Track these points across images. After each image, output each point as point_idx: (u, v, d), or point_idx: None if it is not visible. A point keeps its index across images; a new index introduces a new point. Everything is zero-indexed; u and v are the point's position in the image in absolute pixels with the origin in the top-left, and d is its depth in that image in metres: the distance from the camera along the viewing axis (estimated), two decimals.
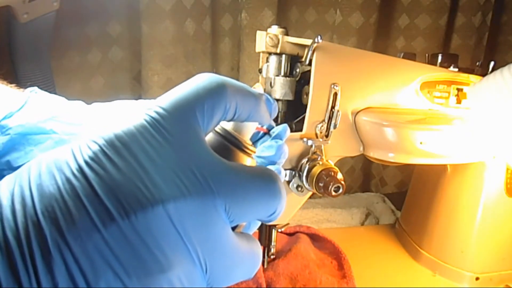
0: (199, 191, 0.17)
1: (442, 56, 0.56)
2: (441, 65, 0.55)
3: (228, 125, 0.23)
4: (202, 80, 0.20)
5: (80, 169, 0.16)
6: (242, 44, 0.82)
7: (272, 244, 0.50)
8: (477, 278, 0.59)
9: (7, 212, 0.15)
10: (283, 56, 0.45)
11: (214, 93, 0.19)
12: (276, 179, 0.20)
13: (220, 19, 0.84)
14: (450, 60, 0.55)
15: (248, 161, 0.22)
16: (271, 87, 0.45)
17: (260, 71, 0.47)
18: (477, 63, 0.58)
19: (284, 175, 0.28)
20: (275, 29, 0.45)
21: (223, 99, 0.20)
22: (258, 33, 0.45)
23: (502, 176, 0.56)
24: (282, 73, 0.46)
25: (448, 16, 0.90)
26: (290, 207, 0.48)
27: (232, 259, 0.19)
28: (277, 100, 0.46)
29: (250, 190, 0.19)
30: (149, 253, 0.16)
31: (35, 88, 0.30)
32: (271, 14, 0.81)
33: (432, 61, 0.57)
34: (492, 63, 0.55)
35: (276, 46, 0.44)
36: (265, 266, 0.56)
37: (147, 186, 0.16)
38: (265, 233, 0.51)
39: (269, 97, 0.24)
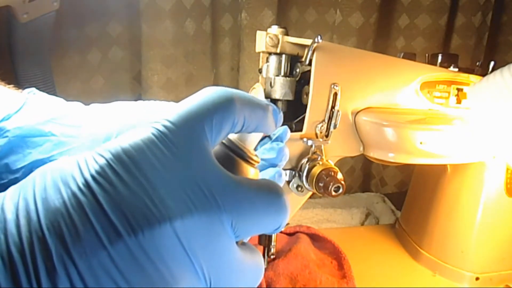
0: (206, 207, 0.17)
1: (442, 56, 0.56)
2: (441, 65, 0.55)
3: (233, 136, 0.23)
4: (211, 93, 0.20)
5: (87, 184, 0.16)
6: (242, 44, 0.82)
7: (272, 244, 0.50)
8: (477, 278, 0.59)
9: (11, 226, 0.15)
10: (283, 56, 0.45)
11: (223, 108, 0.19)
12: (282, 193, 0.21)
13: (220, 19, 0.84)
14: (450, 60, 0.55)
15: (252, 171, 0.23)
16: (271, 87, 0.45)
17: (260, 71, 0.47)
18: (477, 63, 0.58)
19: (284, 177, 0.28)
20: (275, 29, 0.45)
21: (231, 113, 0.20)
22: (258, 33, 0.45)
23: (502, 176, 0.56)
24: (282, 73, 0.46)
25: (448, 16, 0.90)
26: (290, 207, 0.47)
27: (237, 272, 0.19)
28: (277, 100, 0.46)
29: (257, 205, 0.19)
30: (155, 270, 0.16)
31: (33, 89, 0.30)
32: (271, 14, 0.81)
33: (432, 61, 0.57)
34: (492, 63, 0.55)
35: (276, 46, 0.44)
36: (265, 266, 0.56)
37: (154, 203, 0.16)
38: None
39: (275, 107, 0.24)
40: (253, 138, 0.23)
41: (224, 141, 0.22)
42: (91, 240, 0.15)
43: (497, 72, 0.47)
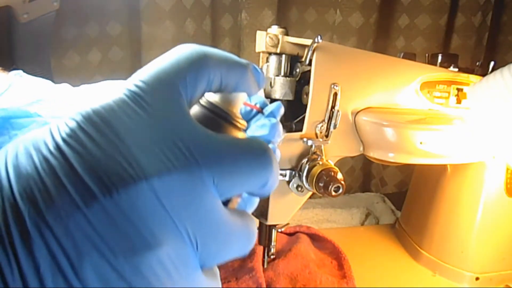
0: (184, 164, 0.16)
1: (442, 56, 0.56)
2: (441, 65, 0.55)
3: (214, 98, 0.21)
4: (184, 51, 0.19)
5: (58, 147, 0.15)
6: (242, 44, 0.82)
7: (272, 244, 0.50)
8: (477, 278, 0.59)
9: None
10: (283, 56, 0.45)
11: (197, 64, 0.19)
12: (267, 148, 0.19)
13: (220, 19, 0.84)
14: (450, 60, 0.55)
15: (238, 134, 0.21)
16: (271, 87, 0.45)
17: None
18: (477, 63, 0.58)
19: (279, 155, 0.27)
20: (275, 29, 0.45)
21: (206, 69, 0.19)
22: (258, 33, 0.45)
23: (502, 176, 0.56)
24: (282, 73, 0.46)
25: (448, 16, 0.90)
26: (290, 207, 0.48)
27: (224, 234, 0.18)
28: (277, 100, 0.46)
29: (238, 160, 0.18)
30: (134, 231, 0.15)
31: (20, 71, 0.30)
32: (271, 14, 0.81)
33: (432, 61, 0.57)
34: (492, 63, 0.55)
35: (276, 46, 0.44)
36: (265, 266, 0.56)
37: (129, 162, 0.16)
38: (265, 233, 0.51)
39: (256, 66, 0.22)
40: (236, 100, 0.21)
41: (205, 104, 0.21)
42: (65, 203, 0.15)
43: (497, 72, 0.47)
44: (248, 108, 0.27)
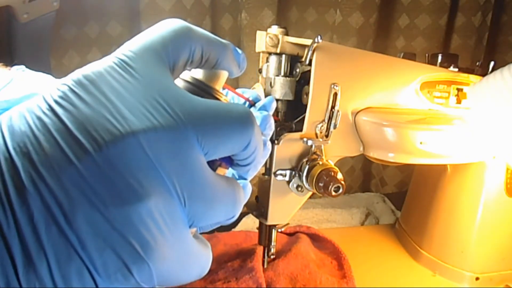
0: (168, 122, 0.17)
1: (442, 56, 0.56)
2: (441, 65, 0.55)
3: (198, 74, 0.23)
4: (167, 23, 0.21)
5: (51, 108, 0.16)
6: (242, 44, 0.82)
7: (272, 244, 0.51)
8: (477, 278, 0.59)
9: None
10: (283, 56, 0.45)
11: (179, 35, 0.20)
12: (248, 110, 0.20)
13: (220, 19, 0.84)
14: (450, 60, 0.55)
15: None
16: (271, 87, 0.45)
17: (260, 71, 0.47)
18: (477, 63, 0.58)
19: (270, 147, 0.27)
20: (275, 29, 0.45)
21: (187, 41, 0.20)
22: (258, 33, 0.45)
23: (502, 176, 0.56)
24: (282, 73, 0.46)
25: (448, 16, 0.90)
26: (290, 207, 0.48)
27: (210, 192, 0.19)
28: (277, 100, 0.46)
29: (221, 119, 0.19)
30: (124, 182, 0.16)
31: (22, 66, 0.30)
32: (271, 14, 0.81)
33: (432, 61, 0.57)
34: (492, 63, 0.55)
35: (276, 46, 0.44)
36: (265, 266, 0.56)
37: (116, 118, 0.16)
38: (265, 233, 0.51)
39: (236, 47, 0.24)
40: (218, 77, 0.23)
41: (188, 79, 0.22)
42: (58, 157, 0.15)
43: (497, 72, 0.47)
44: (242, 101, 0.28)
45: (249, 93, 0.28)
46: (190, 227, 0.18)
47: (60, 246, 0.15)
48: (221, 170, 0.22)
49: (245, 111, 0.20)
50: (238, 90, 0.28)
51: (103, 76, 0.18)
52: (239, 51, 0.24)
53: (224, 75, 0.23)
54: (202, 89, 0.22)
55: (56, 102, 0.16)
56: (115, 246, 0.15)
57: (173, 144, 0.17)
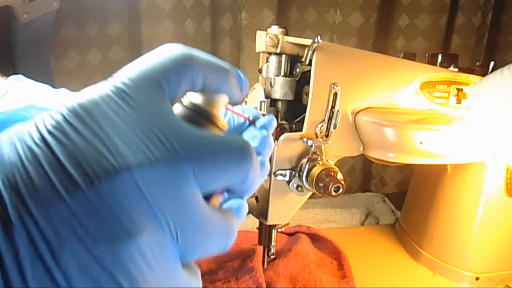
0: (165, 155, 0.17)
1: (442, 56, 0.56)
2: (441, 65, 0.55)
3: (196, 99, 0.22)
4: (168, 50, 0.20)
5: (42, 138, 0.16)
6: (242, 44, 0.82)
7: (272, 244, 0.51)
8: (477, 278, 0.59)
9: None
10: (283, 56, 0.45)
11: (181, 64, 0.19)
12: (247, 143, 0.20)
13: (220, 19, 0.84)
14: (450, 60, 0.55)
15: (219, 133, 0.22)
16: (271, 87, 0.45)
17: (260, 71, 0.47)
18: (477, 63, 0.58)
19: (268, 167, 0.27)
20: (275, 29, 0.45)
21: (189, 69, 0.20)
22: (258, 33, 0.45)
23: (502, 176, 0.56)
24: (282, 73, 0.46)
25: (448, 16, 0.90)
26: (290, 207, 0.48)
27: (204, 226, 0.18)
28: (277, 100, 0.46)
29: (219, 152, 0.19)
30: (115, 220, 0.15)
31: (20, 76, 0.30)
32: (271, 14, 0.81)
33: (432, 61, 0.57)
34: (492, 63, 0.55)
35: (276, 46, 0.44)
36: (265, 266, 0.56)
37: (111, 153, 0.16)
38: (265, 233, 0.51)
39: (240, 72, 0.23)
40: (217, 101, 0.22)
41: (187, 104, 0.22)
42: (48, 191, 0.15)
43: (497, 72, 0.47)
44: (241, 120, 0.28)
45: (248, 112, 0.28)
46: (182, 260, 0.18)
47: (45, 283, 0.14)
48: (216, 199, 0.22)
49: (243, 145, 0.20)
50: (237, 108, 0.28)
51: (99, 105, 0.17)
52: (242, 75, 0.23)
53: (224, 99, 0.23)
54: (200, 114, 0.21)
55: (49, 132, 0.16)
56: (103, 284, 0.15)
57: (169, 179, 0.17)
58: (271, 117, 0.28)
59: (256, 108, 0.45)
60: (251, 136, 0.26)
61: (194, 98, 0.22)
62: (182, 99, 0.22)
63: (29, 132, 0.16)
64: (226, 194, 0.23)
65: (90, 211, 0.15)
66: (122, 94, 0.18)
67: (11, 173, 0.15)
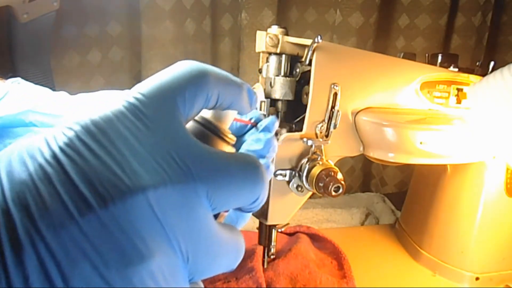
0: (179, 177, 0.17)
1: (442, 56, 0.56)
2: (441, 65, 0.55)
3: (206, 113, 0.22)
4: (184, 67, 0.19)
5: (54, 156, 0.15)
6: (242, 44, 0.82)
7: (272, 244, 0.50)
8: (477, 278, 0.59)
9: None
10: (283, 56, 0.45)
11: (196, 82, 0.19)
12: (259, 164, 0.20)
13: (220, 19, 0.84)
14: (450, 60, 0.55)
15: (227, 149, 0.22)
16: (271, 87, 0.45)
17: (260, 71, 0.47)
18: (477, 63, 0.58)
19: (273, 170, 0.27)
20: (275, 29, 0.45)
21: (205, 87, 0.19)
22: (258, 33, 0.45)
23: (502, 176, 0.56)
24: (282, 73, 0.46)
25: (448, 16, 0.90)
26: (290, 207, 0.48)
27: (214, 248, 0.18)
28: (277, 100, 0.46)
29: (232, 175, 0.19)
30: (129, 242, 0.15)
31: (18, 78, 0.29)
32: (271, 14, 0.81)
33: (432, 61, 0.57)
34: (492, 63, 0.55)
35: (276, 46, 0.44)
36: (265, 266, 0.56)
37: (126, 173, 0.16)
38: (265, 233, 0.51)
39: (250, 88, 0.23)
40: (227, 117, 0.23)
41: (197, 118, 0.22)
42: (59, 212, 0.14)
43: (497, 72, 0.47)
44: (243, 123, 0.28)
45: (251, 113, 0.28)
46: (190, 281, 0.18)
47: None
48: (222, 215, 0.23)
49: (257, 167, 0.20)
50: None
51: (113, 123, 0.16)
52: (253, 92, 0.23)
53: (232, 114, 0.23)
54: (210, 130, 0.22)
55: (61, 149, 0.15)
56: None
57: (182, 200, 0.16)
58: (274, 118, 0.27)
59: (256, 108, 0.45)
60: (255, 139, 0.26)
61: (204, 112, 0.22)
62: None
63: (40, 149, 0.16)
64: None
65: (103, 233, 0.15)
66: (135, 111, 0.17)
67: (21, 192, 0.14)
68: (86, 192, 0.15)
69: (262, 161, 0.26)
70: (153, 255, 0.15)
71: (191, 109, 0.19)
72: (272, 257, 0.52)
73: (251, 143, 0.26)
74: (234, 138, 0.23)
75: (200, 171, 0.17)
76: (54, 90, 0.73)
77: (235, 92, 0.21)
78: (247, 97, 0.23)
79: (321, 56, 0.43)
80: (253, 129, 0.28)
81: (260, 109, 0.45)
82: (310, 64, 0.43)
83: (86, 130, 0.16)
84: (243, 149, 0.26)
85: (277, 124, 0.28)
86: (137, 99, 0.18)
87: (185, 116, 0.19)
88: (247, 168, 0.19)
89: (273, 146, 0.26)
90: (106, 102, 0.18)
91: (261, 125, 0.27)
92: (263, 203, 0.21)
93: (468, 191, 0.58)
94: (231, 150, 0.23)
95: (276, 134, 0.44)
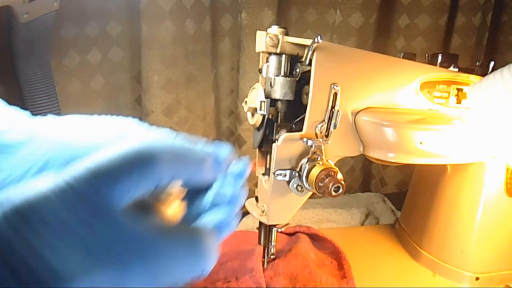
0: (113, 265, 0.17)
1: (442, 56, 0.56)
2: (441, 65, 0.55)
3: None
4: (131, 151, 0.19)
5: None
6: (242, 44, 0.82)
7: (272, 244, 0.51)
8: (477, 278, 0.59)
9: None
10: (283, 56, 0.45)
11: (140, 168, 0.19)
12: (202, 240, 0.20)
13: (220, 19, 0.84)
14: (450, 60, 0.55)
15: (172, 207, 0.22)
16: (271, 87, 0.45)
17: (260, 71, 0.47)
18: (477, 63, 0.58)
19: (239, 216, 0.26)
20: (275, 29, 0.45)
21: (151, 172, 0.19)
22: (258, 33, 0.45)
23: (502, 176, 0.56)
24: (282, 73, 0.46)
25: (448, 16, 0.90)
26: (290, 207, 0.48)
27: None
28: (277, 100, 0.46)
29: (174, 256, 0.19)
30: None
31: None
32: (271, 14, 0.81)
33: (432, 61, 0.57)
34: (492, 63, 0.55)
35: (276, 46, 0.44)
36: (265, 266, 0.56)
37: (50, 268, 0.15)
38: (265, 233, 0.51)
39: (219, 157, 0.22)
40: (169, 197, 0.22)
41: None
42: None
43: (497, 72, 0.47)
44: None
45: (236, 166, 0.26)
46: None
47: None
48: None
49: (199, 243, 0.20)
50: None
51: (39, 212, 0.16)
52: (220, 160, 0.23)
53: (180, 192, 0.22)
54: (145, 211, 0.21)
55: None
56: None
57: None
58: (244, 166, 0.26)
59: (256, 108, 0.45)
60: (224, 185, 0.25)
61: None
62: None
63: None
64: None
65: None
66: (66, 198, 0.17)
67: None
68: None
69: (226, 209, 0.25)
70: None
71: (135, 192, 0.19)
72: (272, 257, 0.53)
73: (221, 187, 0.25)
74: (178, 215, 0.22)
75: (133, 258, 0.17)
76: (54, 90, 0.72)
77: (194, 168, 0.21)
78: (211, 166, 0.22)
79: (321, 56, 0.43)
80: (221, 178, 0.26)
81: (260, 109, 0.45)
82: (310, 64, 0.43)
83: (15, 213, 0.16)
84: (211, 194, 0.25)
85: (248, 170, 0.26)
86: (68, 184, 0.17)
87: (127, 199, 0.18)
88: (190, 247, 0.19)
89: (241, 194, 0.25)
90: (37, 180, 0.17)
91: (232, 170, 0.26)
92: (208, 271, 0.21)
93: (468, 191, 0.58)
94: (178, 206, 0.22)
95: (274, 141, 0.44)
